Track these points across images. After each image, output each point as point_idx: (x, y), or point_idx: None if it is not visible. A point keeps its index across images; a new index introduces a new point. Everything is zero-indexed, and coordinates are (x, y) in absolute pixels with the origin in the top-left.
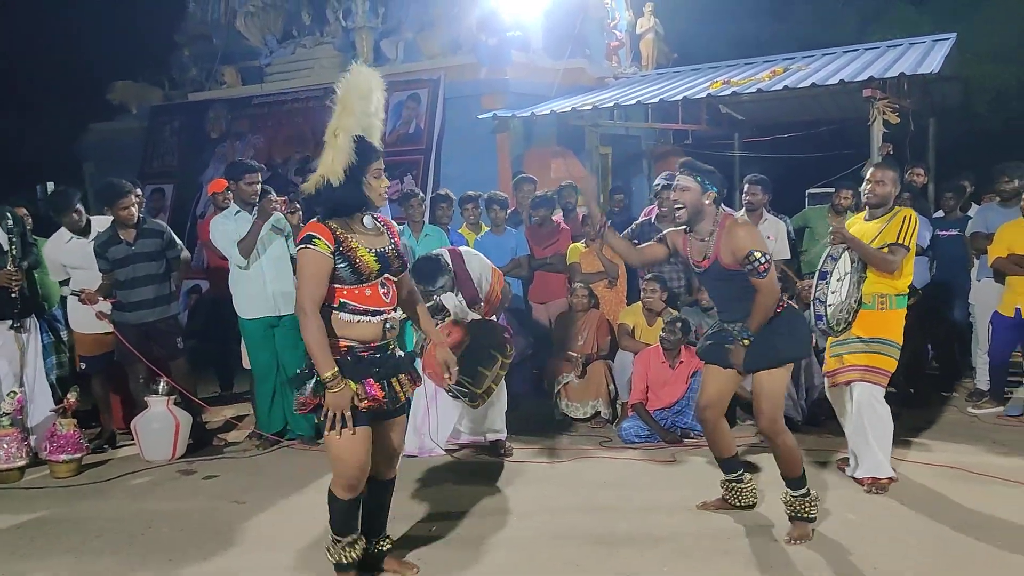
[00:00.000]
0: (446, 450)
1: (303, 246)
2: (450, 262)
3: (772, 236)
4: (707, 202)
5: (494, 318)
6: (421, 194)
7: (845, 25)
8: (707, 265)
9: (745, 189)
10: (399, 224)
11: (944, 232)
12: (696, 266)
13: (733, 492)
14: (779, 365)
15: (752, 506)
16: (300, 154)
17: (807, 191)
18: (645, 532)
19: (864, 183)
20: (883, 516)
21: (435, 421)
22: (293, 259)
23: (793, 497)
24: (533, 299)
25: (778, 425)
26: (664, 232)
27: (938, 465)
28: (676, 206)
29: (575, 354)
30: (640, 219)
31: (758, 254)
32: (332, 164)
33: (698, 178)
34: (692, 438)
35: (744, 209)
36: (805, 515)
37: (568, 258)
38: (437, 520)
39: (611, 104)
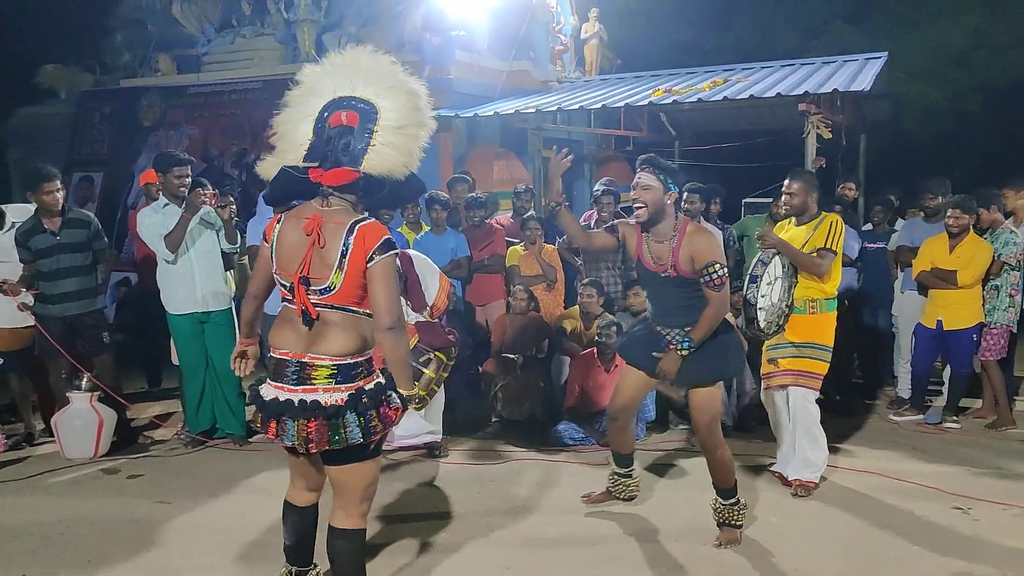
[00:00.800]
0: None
1: (391, 253)
2: (400, 266)
3: None
4: (668, 202)
5: (437, 320)
6: None
7: (785, 39)
8: (662, 270)
9: (684, 197)
10: None
11: (872, 245)
12: (648, 268)
13: (619, 486)
14: (714, 382)
15: (632, 499)
16: (237, 146)
17: (744, 200)
18: (578, 534)
19: (782, 194)
20: (806, 520)
21: None
22: (224, 254)
23: (723, 505)
24: (471, 300)
25: (716, 439)
26: (617, 222)
27: (860, 471)
28: (636, 205)
29: (512, 356)
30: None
31: (718, 266)
32: (412, 156)
33: (661, 176)
34: None
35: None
36: (733, 522)
37: (507, 261)
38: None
39: (554, 108)
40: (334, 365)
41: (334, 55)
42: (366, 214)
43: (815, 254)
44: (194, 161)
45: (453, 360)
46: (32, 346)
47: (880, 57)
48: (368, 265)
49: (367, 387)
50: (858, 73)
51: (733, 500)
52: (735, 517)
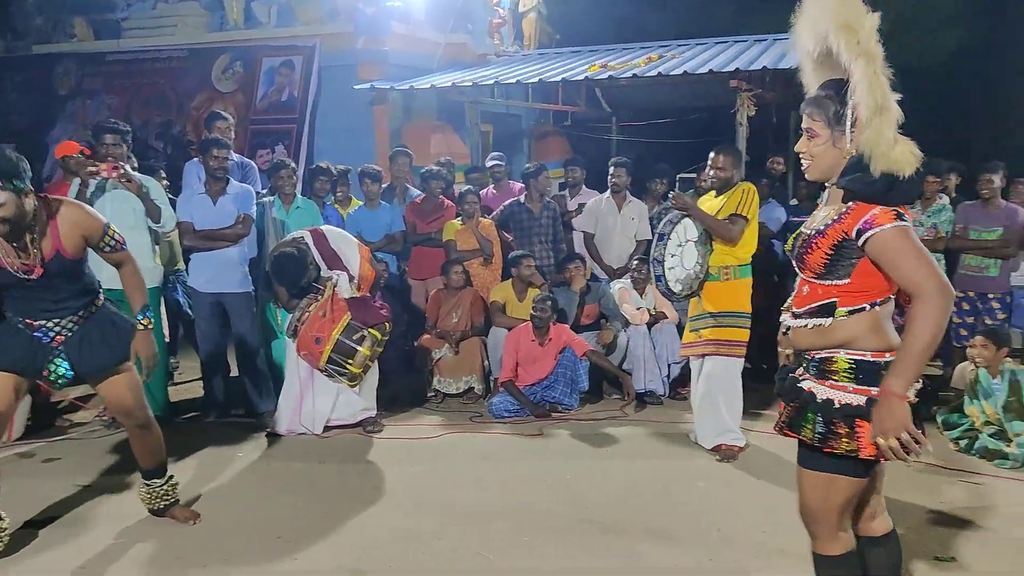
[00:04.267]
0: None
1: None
2: (312, 245)
3: (635, 217)
4: None
5: (369, 295)
6: (293, 164)
7: (721, 16)
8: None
9: (611, 171)
10: (269, 196)
11: (798, 219)
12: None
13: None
14: (119, 365)
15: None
16: (161, 118)
17: (677, 176)
18: (511, 505)
19: (707, 168)
20: (731, 483)
21: (311, 406)
22: (152, 231)
23: (156, 489)
24: (412, 276)
25: (146, 412)
26: None
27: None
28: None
29: (450, 331)
30: (508, 201)
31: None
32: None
33: None
34: (560, 412)
35: (609, 191)
36: (166, 502)
37: (444, 235)
38: (299, 498)
39: (492, 81)
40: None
41: None
42: None
43: (727, 220)
44: (128, 130)
45: (387, 336)
46: None
47: None
48: None
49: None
50: (788, 51)
51: (162, 480)
52: (164, 497)
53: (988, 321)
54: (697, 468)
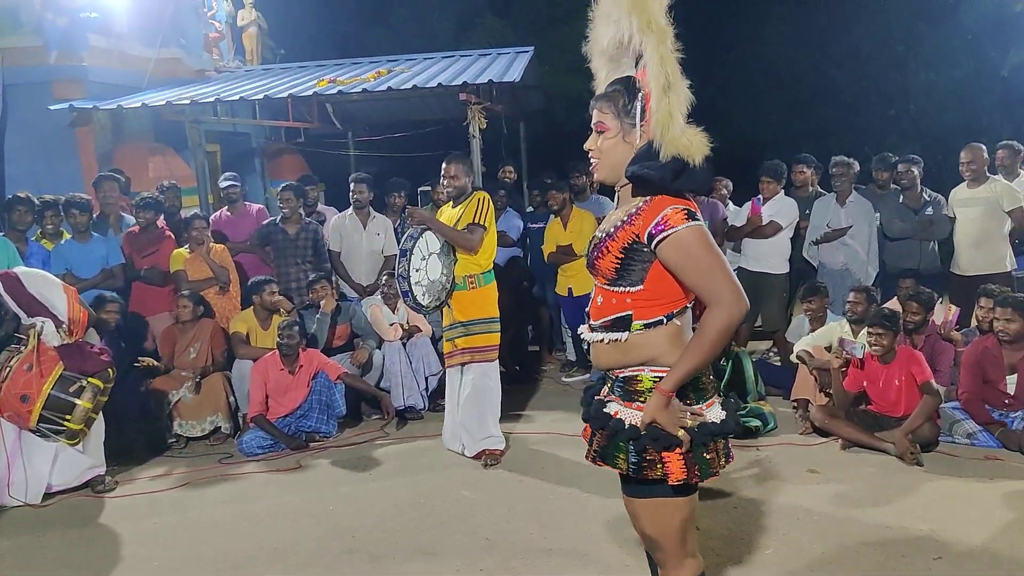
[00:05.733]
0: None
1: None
2: (3, 292)
3: (380, 232)
4: None
5: (84, 340)
6: None
7: (441, 31)
8: None
9: (352, 188)
10: None
11: (534, 225)
12: None
13: None
14: None
15: None
16: None
17: (419, 189)
18: (272, 546)
19: (440, 179)
20: (495, 487)
21: (22, 473)
22: None
23: None
24: (134, 309)
25: None
26: None
27: (540, 433)
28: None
29: (186, 371)
30: (265, 221)
31: None
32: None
33: None
34: (318, 440)
35: (352, 207)
36: None
37: (171, 265)
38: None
39: (212, 99)
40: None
41: None
42: None
43: (466, 229)
44: None
45: (112, 383)
46: None
47: (527, 51)
48: None
49: None
50: (510, 65)
51: None
52: None
53: None
54: (461, 477)
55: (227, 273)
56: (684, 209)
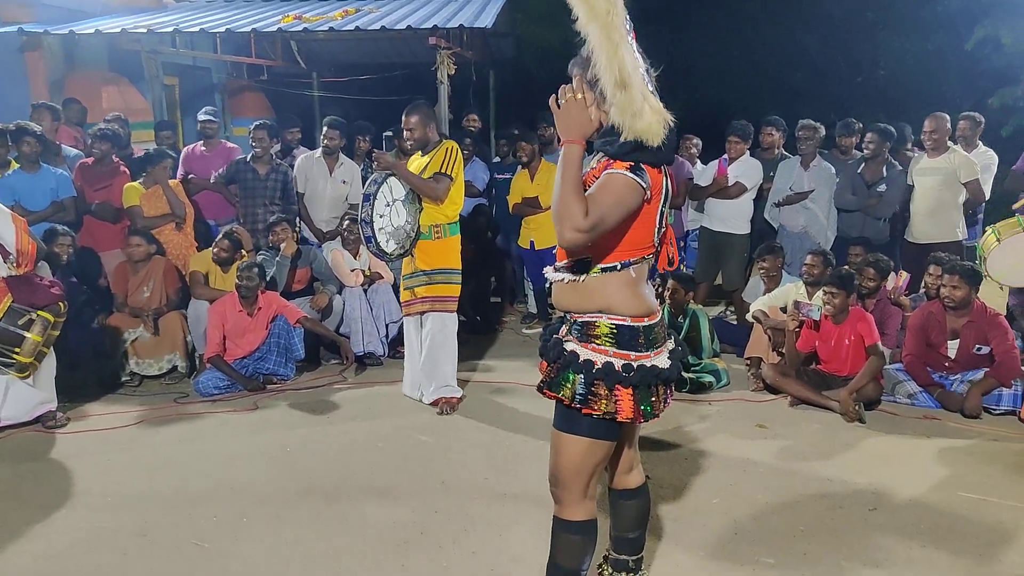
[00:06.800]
0: None
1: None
2: None
3: (346, 180)
4: None
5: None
6: None
7: None
8: None
9: (324, 132)
10: None
11: (500, 175)
12: None
13: None
14: None
15: None
16: None
17: (384, 134)
18: (227, 486)
19: (401, 130)
20: (451, 433)
21: None
22: None
23: None
24: (91, 247)
25: None
26: None
27: (498, 382)
28: None
29: (143, 308)
30: (236, 158)
31: None
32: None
33: None
34: (276, 383)
35: (321, 152)
36: None
37: (125, 200)
38: None
39: (171, 29)
40: None
41: None
42: None
43: (432, 178)
44: None
45: (63, 317)
46: None
47: None
48: None
49: None
50: (482, 10)
51: None
52: None
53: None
54: (419, 423)
55: (183, 207)
56: (636, 165)
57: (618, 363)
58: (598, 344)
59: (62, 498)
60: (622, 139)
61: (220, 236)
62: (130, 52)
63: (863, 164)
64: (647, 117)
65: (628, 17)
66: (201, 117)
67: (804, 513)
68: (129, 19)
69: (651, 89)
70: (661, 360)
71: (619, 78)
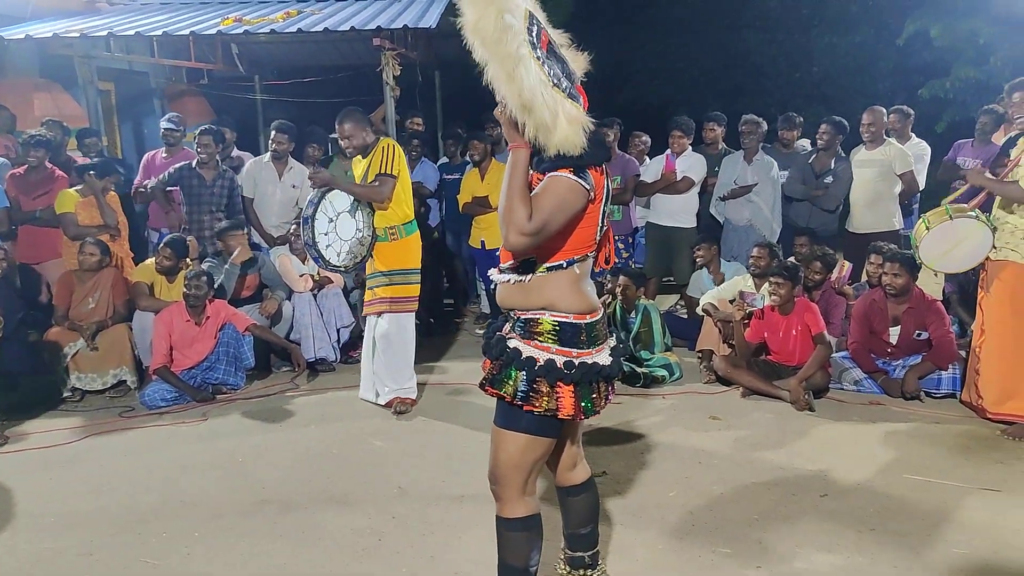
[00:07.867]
0: None
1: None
2: None
3: (296, 184)
4: None
5: None
6: None
7: None
8: None
9: (272, 136)
10: None
11: (449, 176)
12: None
13: None
14: None
15: None
16: None
17: (330, 136)
18: (178, 500)
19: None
20: (407, 436)
21: None
22: None
23: None
24: (23, 259)
25: None
26: None
27: (452, 383)
28: None
29: (82, 323)
30: (180, 164)
31: None
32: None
33: None
34: (225, 392)
35: (270, 156)
36: None
37: (58, 207)
38: None
39: (104, 33)
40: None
41: None
42: None
43: (375, 181)
44: None
45: (0, 333)
46: None
47: None
48: None
49: None
50: (426, 11)
51: None
52: None
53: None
54: (373, 427)
55: (115, 217)
56: (575, 169)
57: (560, 360)
58: (540, 341)
59: (2, 520)
60: (544, 155)
61: (162, 244)
62: (62, 57)
63: (815, 155)
64: (562, 129)
65: (539, 24)
66: (164, 125)
67: (758, 502)
68: (61, 23)
69: (569, 94)
70: (602, 357)
71: (520, 103)
